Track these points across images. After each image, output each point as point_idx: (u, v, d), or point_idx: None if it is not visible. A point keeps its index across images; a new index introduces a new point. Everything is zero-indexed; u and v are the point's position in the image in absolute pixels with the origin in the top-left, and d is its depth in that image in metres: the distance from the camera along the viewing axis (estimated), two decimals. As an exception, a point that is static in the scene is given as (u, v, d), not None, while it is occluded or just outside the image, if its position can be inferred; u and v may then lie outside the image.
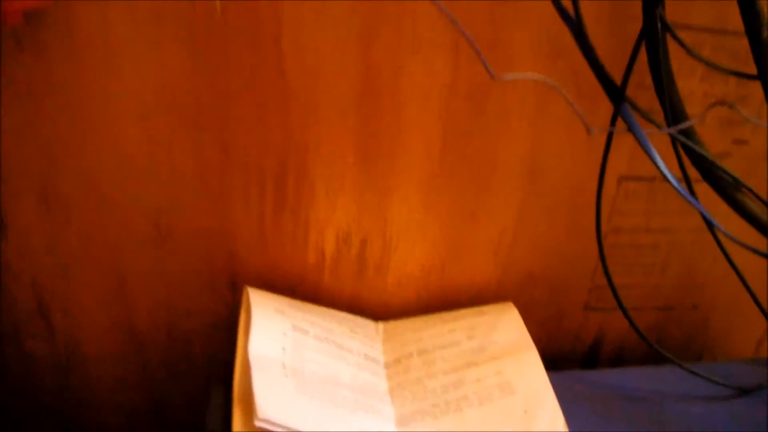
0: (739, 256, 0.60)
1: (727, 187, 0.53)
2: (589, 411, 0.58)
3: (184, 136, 0.52)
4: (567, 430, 0.50)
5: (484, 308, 0.63)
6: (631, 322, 0.59)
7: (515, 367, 0.55)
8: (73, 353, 0.61)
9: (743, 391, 0.62)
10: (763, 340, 0.77)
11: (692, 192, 0.58)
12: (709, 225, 0.57)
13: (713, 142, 0.60)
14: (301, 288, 0.60)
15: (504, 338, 0.58)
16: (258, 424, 0.44)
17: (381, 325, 0.62)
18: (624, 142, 0.59)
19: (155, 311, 0.60)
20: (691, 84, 0.58)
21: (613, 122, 0.54)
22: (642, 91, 0.56)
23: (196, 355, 0.63)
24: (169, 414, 0.67)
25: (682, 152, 0.56)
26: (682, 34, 0.52)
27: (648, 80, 0.51)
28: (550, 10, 0.44)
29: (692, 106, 0.54)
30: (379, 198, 0.57)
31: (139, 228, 0.55)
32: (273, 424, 0.44)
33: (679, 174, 0.56)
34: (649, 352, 0.72)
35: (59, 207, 0.53)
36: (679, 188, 0.47)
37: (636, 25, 0.51)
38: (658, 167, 0.47)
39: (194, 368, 0.64)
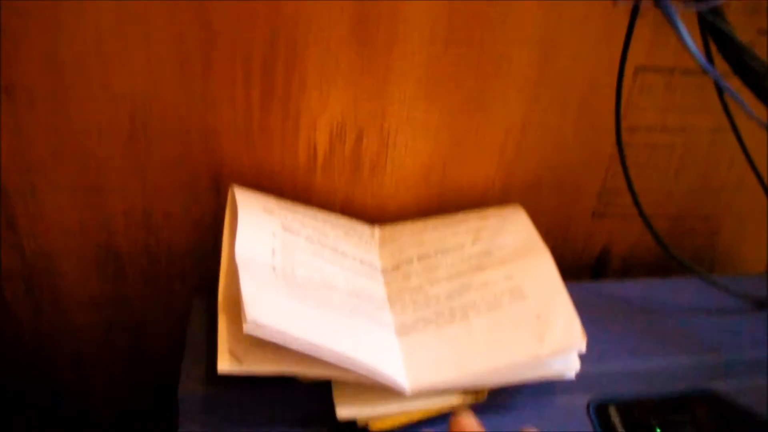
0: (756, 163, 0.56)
1: (755, 76, 0.48)
2: (598, 322, 0.54)
3: (161, 12, 0.46)
4: (584, 336, 0.46)
5: (490, 210, 0.58)
6: (648, 225, 0.55)
7: (526, 271, 0.51)
8: (44, 270, 0.56)
9: (760, 305, 0.59)
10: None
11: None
12: (731, 119, 0.53)
13: (737, 30, 0.55)
14: (290, 188, 0.55)
15: (512, 241, 0.54)
16: (247, 329, 0.40)
17: (377, 230, 0.57)
18: (643, 29, 0.54)
19: (132, 217, 0.55)
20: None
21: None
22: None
23: (178, 265, 0.59)
24: (150, 331, 0.62)
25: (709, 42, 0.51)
26: None
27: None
28: None
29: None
30: (377, 87, 0.52)
31: (112, 122, 0.50)
32: (263, 328, 0.40)
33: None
34: (658, 264, 0.68)
35: (22, 100, 0.48)
36: (700, 58, 0.43)
37: None
38: (683, 41, 0.42)
39: (176, 280, 0.59)
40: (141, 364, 0.64)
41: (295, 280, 0.46)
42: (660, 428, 0.49)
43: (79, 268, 0.57)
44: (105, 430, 0.69)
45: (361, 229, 0.56)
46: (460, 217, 0.58)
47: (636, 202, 0.55)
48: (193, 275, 0.58)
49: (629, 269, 0.69)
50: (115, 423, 0.68)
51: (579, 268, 0.67)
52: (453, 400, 0.45)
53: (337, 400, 0.44)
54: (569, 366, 0.47)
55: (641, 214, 0.55)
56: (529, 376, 0.46)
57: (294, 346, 0.41)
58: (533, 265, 0.51)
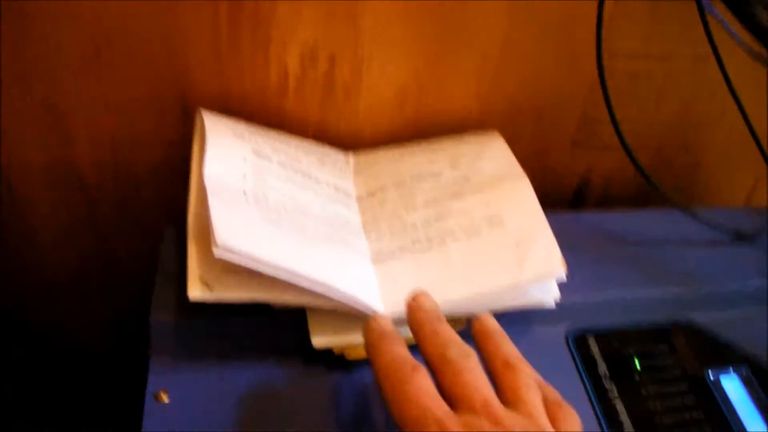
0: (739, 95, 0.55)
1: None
2: (577, 253, 0.53)
3: None
4: (563, 264, 0.45)
5: (467, 136, 0.57)
6: (629, 154, 0.53)
7: (505, 198, 0.49)
8: (10, 200, 0.54)
9: (741, 237, 0.59)
10: (755, 190, 0.73)
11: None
12: (714, 48, 0.51)
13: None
14: (261, 114, 0.53)
15: (491, 167, 0.52)
16: (217, 253, 0.38)
17: (352, 157, 0.55)
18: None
19: (98, 144, 0.53)
20: None
21: None
22: None
23: (148, 193, 0.57)
24: (123, 260, 0.61)
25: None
26: None
27: None
28: None
29: None
30: (350, 7, 0.49)
31: (72, 43, 0.47)
32: (234, 253, 0.38)
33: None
34: (637, 196, 0.67)
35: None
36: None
37: None
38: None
39: (147, 208, 0.57)
40: (115, 295, 0.62)
41: (267, 205, 0.44)
42: (638, 358, 0.48)
43: (46, 196, 0.55)
44: (79, 361, 0.67)
45: (335, 156, 0.54)
46: (436, 143, 0.56)
47: (617, 131, 0.53)
48: (165, 202, 0.56)
49: (608, 201, 0.68)
50: (88, 354, 0.67)
51: (558, 199, 0.66)
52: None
53: (312, 329, 0.43)
54: (549, 294, 0.46)
55: (622, 143, 0.53)
56: (508, 304, 0.45)
57: (267, 271, 0.39)
58: (512, 192, 0.50)
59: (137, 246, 0.59)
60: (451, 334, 0.36)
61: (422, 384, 0.33)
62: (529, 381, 0.35)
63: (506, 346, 0.37)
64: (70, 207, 0.56)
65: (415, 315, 0.38)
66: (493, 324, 0.39)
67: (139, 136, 0.53)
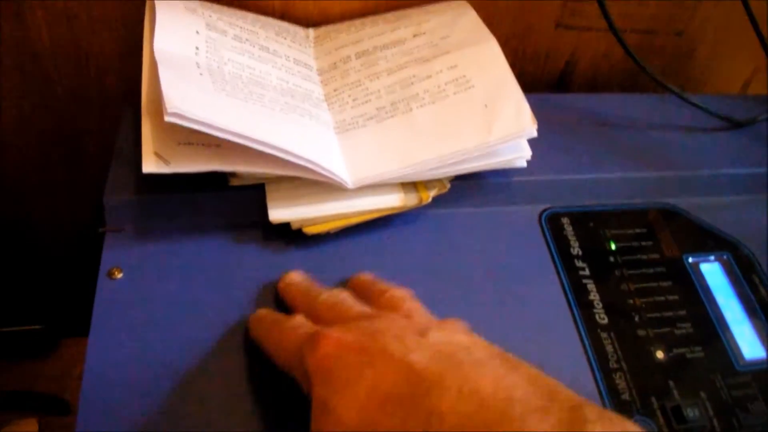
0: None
1: None
2: (559, 134, 0.51)
3: None
4: (534, 121, 0.43)
5: (433, 6, 0.53)
6: (617, 36, 0.50)
7: (471, 60, 0.47)
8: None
9: (735, 124, 0.56)
10: (752, 80, 0.70)
11: None
12: None
13: None
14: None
15: (457, 32, 0.49)
16: (168, 119, 0.36)
17: (312, 30, 0.52)
18: None
19: (54, 22, 0.50)
20: None
21: None
22: None
23: (108, 73, 0.54)
24: (85, 143, 0.59)
25: None
26: None
27: None
28: None
29: None
30: None
31: None
32: (186, 118, 0.36)
33: None
34: (624, 83, 0.64)
35: None
36: None
37: None
38: None
39: (107, 88, 0.55)
40: (78, 181, 0.60)
41: (222, 77, 0.42)
42: (614, 240, 0.47)
43: (2, 80, 0.53)
44: (40, 254, 0.67)
45: (295, 30, 0.52)
46: (400, 12, 0.53)
47: (604, 12, 0.50)
48: (124, 83, 0.54)
49: (594, 88, 0.65)
50: (55, 243, 0.66)
51: (541, 84, 0.63)
52: (392, 202, 0.43)
53: (270, 203, 0.41)
54: (520, 153, 0.44)
55: (610, 25, 0.50)
56: (478, 165, 0.43)
57: (222, 136, 0.37)
58: (479, 53, 0.47)
59: (99, 127, 0.57)
60: (321, 289, 0.37)
61: (296, 320, 0.34)
62: (407, 297, 0.36)
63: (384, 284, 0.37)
64: (28, 89, 0.54)
65: (288, 291, 0.39)
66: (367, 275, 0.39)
67: (96, 14, 0.50)
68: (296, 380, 0.32)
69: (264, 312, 0.37)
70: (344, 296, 0.35)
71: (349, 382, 0.28)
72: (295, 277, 0.39)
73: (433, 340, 0.29)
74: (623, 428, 0.24)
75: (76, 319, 0.60)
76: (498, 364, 0.28)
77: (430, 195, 0.43)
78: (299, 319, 0.34)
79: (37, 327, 0.69)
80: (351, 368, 0.29)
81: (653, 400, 0.39)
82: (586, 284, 0.44)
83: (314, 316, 0.34)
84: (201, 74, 0.41)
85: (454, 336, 0.30)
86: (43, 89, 0.54)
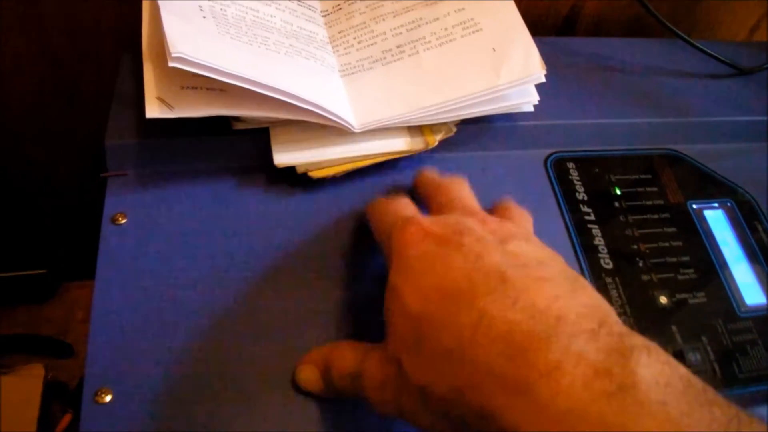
0: None
1: None
2: (565, 78, 0.51)
3: None
4: (543, 66, 0.42)
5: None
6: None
7: (480, 3, 0.46)
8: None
9: (740, 71, 0.55)
10: (758, 27, 0.69)
11: None
12: None
13: None
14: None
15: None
16: (172, 63, 0.35)
17: (316, -26, 0.51)
18: None
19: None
20: None
21: None
22: None
23: (105, 19, 0.53)
24: (84, 92, 0.58)
25: None
26: None
27: None
28: None
29: None
30: None
31: None
32: (190, 61, 0.36)
33: None
34: (630, 28, 0.63)
35: None
36: None
37: None
38: None
39: (105, 36, 0.54)
40: (75, 130, 0.60)
41: (226, 20, 0.41)
42: (618, 185, 0.47)
43: (2, 27, 0.52)
44: (42, 200, 0.66)
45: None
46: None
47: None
48: (123, 30, 0.53)
49: (600, 33, 0.64)
50: (51, 188, 0.66)
51: (545, 28, 0.62)
52: (399, 146, 0.42)
53: (274, 147, 0.41)
54: (528, 98, 0.44)
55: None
56: (485, 110, 0.43)
57: (226, 80, 0.36)
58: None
59: (96, 76, 0.56)
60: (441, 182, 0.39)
61: (402, 201, 0.36)
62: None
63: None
64: (25, 45, 0.53)
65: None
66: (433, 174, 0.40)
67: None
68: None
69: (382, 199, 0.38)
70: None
71: (420, 273, 0.30)
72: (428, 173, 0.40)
73: (511, 248, 0.31)
74: (667, 360, 0.25)
75: (77, 263, 0.61)
76: (562, 284, 0.29)
77: (436, 138, 0.42)
78: (406, 203, 0.36)
79: (40, 271, 0.69)
80: (425, 260, 0.30)
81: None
82: (591, 229, 0.44)
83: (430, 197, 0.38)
84: (204, 17, 0.40)
85: (533, 249, 0.31)
86: (40, 37, 0.53)
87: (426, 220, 0.32)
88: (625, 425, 0.23)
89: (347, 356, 0.33)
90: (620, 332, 0.26)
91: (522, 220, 0.37)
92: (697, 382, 0.24)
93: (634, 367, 0.24)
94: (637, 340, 0.25)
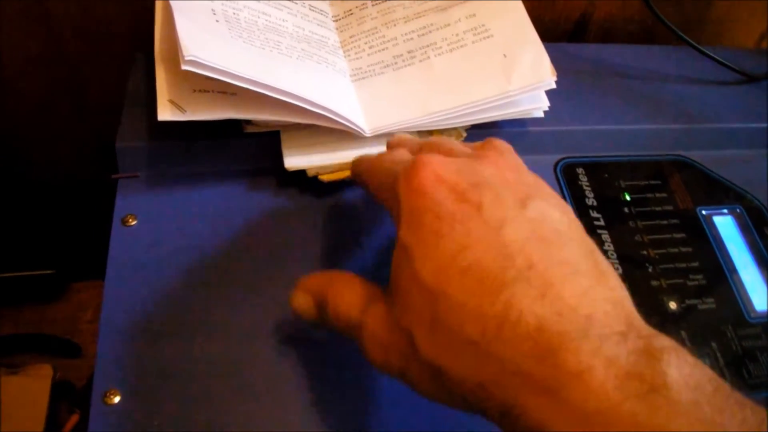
0: None
1: None
2: (575, 84, 0.51)
3: None
4: (554, 72, 0.42)
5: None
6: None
7: (491, 9, 0.46)
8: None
9: (750, 78, 0.55)
10: (767, 34, 0.69)
11: None
12: None
13: None
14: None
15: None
16: (185, 66, 0.36)
17: (327, -23, 0.52)
18: None
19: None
20: None
21: None
22: None
23: (116, 22, 0.53)
24: (93, 92, 0.59)
25: None
26: None
27: None
28: None
29: None
30: None
31: None
32: (203, 65, 0.36)
33: None
34: (641, 35, 0.63)
35: None
36: None
37: None
38: None
39: (116, 37, 0.54)
40: (84, 128, 0.60)
41: (239, 24, 0.41)
42: (628, 191, 0.47)
43: (11, 26, 0.52)
44: (49, 196, 0.66)
45: (311, -25, 0.51)
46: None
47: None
48: (134, 31, 0.53)
49: (610, 39, 0.64)
50: (58, 188, 0.66)
51: (555, 34, 0.62)
52: (408, 150, 0.42)
53: (285, 150, 0.41)
54: (538, 104, 0.44)
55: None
56: (495, 115, 0.43)
57: (238, 83, 0.37)
58: (498, 2, 0.46)
59: (106, 77, 0.56)
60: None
61: (399, 151, 0.33)
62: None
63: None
64: (35, 37, 0.53)
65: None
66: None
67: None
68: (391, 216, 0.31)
69: (367, 154, 0.36)
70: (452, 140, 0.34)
71: (435, 235, 0.27)
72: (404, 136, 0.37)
73: (532, 213, 0.28)
74: (695, 362, 0.25)
75: (85, 263, 0.61)
76: (586, 270, 0.27)
77: (461, 133, 0.43)
78: (402, 152, 0.33)
79: (48, 272, 0.69)
80: (442, 218, 0.27)
81: (665, 349, 0.39)
82: (600, 234, 0.44)
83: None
84: (217, 21, 0.41)
85: (552, 212, 0.29)
86: (50, 38, 0.53)
87: (436, 159, 0.29)
88: (659, 425, 0.22)
89: (346, 298, 0.30)
90: (648, 334, 0.25)
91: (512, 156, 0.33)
92: (724, 384, 0.24)
93: (664, 368, 0.23)
94: (666, 341, 0.25)
